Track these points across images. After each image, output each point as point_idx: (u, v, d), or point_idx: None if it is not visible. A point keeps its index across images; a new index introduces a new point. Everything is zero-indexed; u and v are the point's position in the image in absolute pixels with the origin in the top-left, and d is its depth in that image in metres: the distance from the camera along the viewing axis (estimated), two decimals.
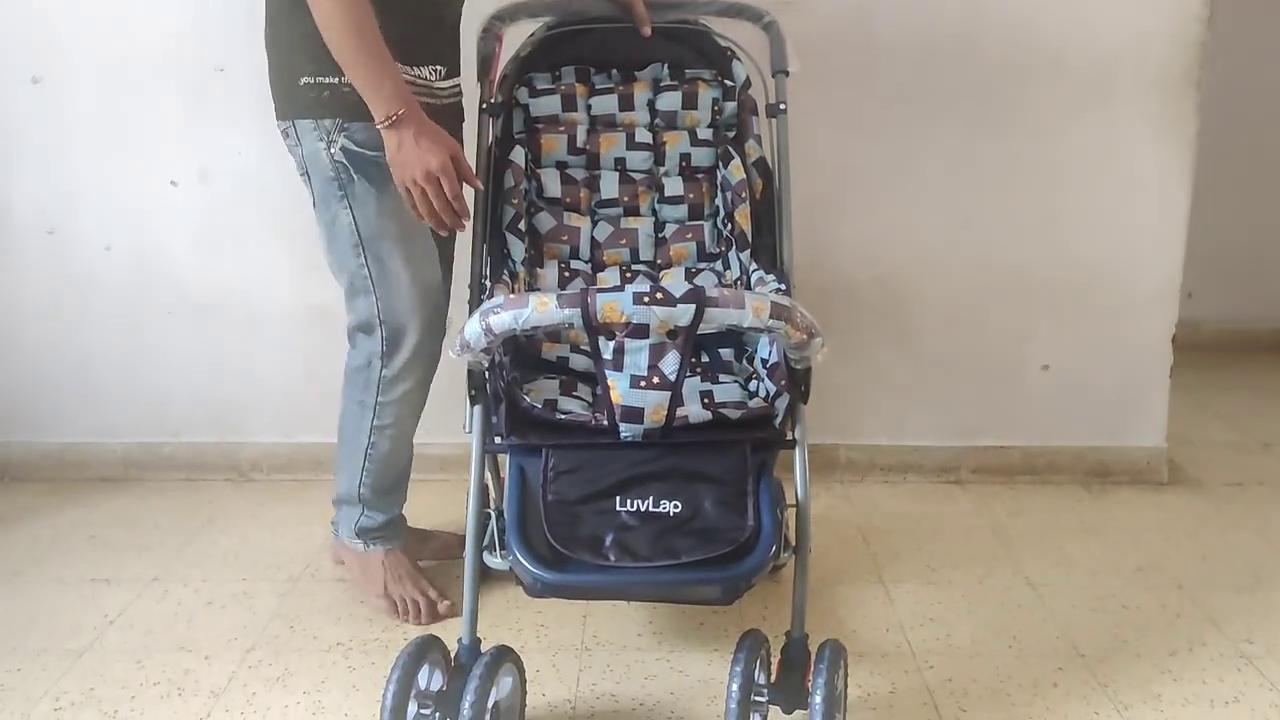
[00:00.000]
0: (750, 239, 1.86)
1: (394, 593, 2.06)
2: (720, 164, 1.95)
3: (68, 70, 2.50)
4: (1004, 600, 2.16)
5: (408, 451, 2.09)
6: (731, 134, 1.95)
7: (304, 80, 1.75)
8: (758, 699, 1.58)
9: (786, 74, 1.88)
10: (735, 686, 1.53)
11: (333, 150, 1.76)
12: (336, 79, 1.71)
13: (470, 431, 1.69)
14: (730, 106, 1.96)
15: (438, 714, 1.60)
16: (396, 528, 2.12)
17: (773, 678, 1.63)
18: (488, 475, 1.83)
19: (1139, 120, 2.54)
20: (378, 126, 1.67)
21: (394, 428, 1.99)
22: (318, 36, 1.65)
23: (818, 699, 1.52)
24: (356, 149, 1.75)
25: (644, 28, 1.95)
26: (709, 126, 1.98)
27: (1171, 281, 2.64)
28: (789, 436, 1.68)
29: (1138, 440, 2.74)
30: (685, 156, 1.97)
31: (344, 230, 1.82)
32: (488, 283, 1.80)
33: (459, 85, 1.92)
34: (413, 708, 1.56)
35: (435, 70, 1.84)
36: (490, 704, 1.54)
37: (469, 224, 1.79)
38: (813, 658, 1.59)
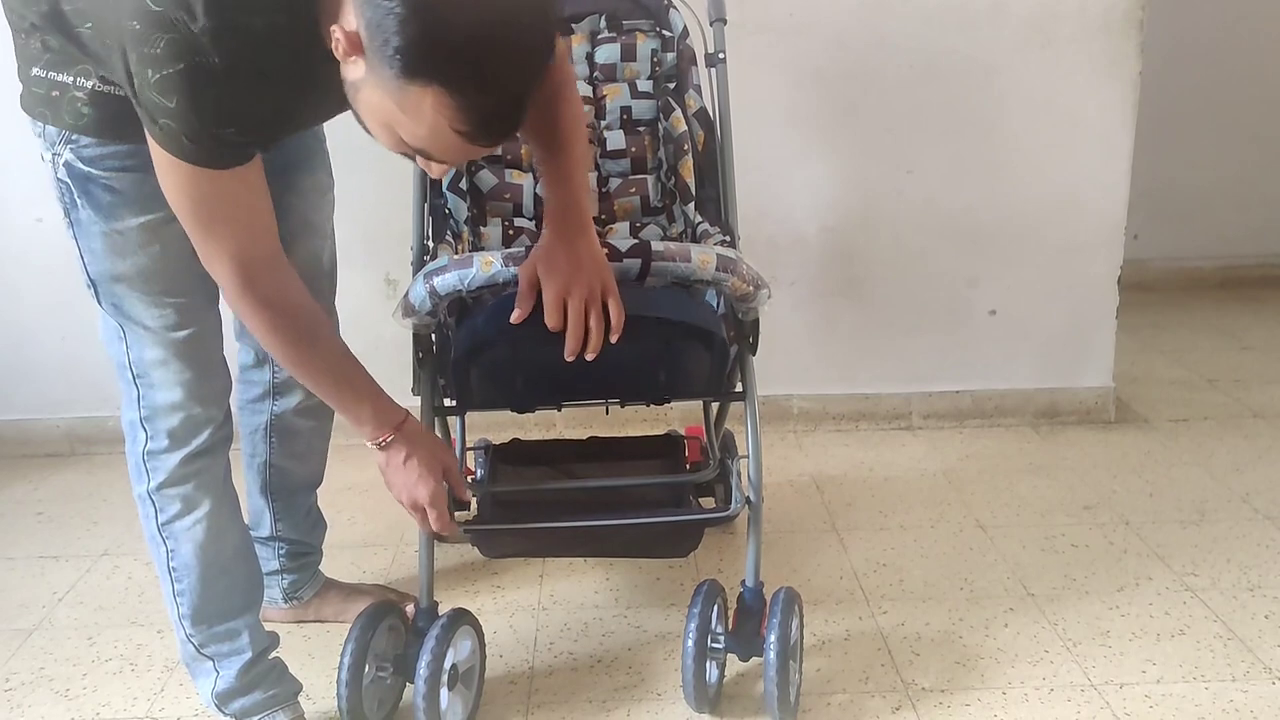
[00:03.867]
0: (694, 191, 1.84)
1: None
2: (661, 116, 1.93)
3: None
4: (955, 543, 2.18)
5: (236, 557, 1.57)
6: (672, 85, 1.92)
7: (35, 70, 1.35)
8: (714, 647, 1.60)
9: (724, 22, 1.85)
10: (691, 635, 1.55)
11: (56, 164, 1.36)
12: (70, 78, 1.32)
13: (419, 394, 1.67)
14: (669, 57, 1.93)
15: (395, 676, 1.60)
16: (274, 679, 1.60)
17: (729, 627, 1.64)
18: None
19: (1082, 62, 2.54)
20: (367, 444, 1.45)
21: (187, 518, 1.51)
22: (59, 17, 1.29)
23: (771, 647, 1.54)
24: (83, 167, 1.35)
25: None
26: (649, 78, 1.95)
27: (1116, 223, 2.65)
28: (738, 388, 1.68)
29: (1085, 381, 2.78)
30: (626, 109, 1.94)
31: (77, 262, 1.42)
32: (430, 244, 1.77)
33: None
34: (370, 671, 1.56)
35: None
36: (448, 665, 1.54)
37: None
38: (767, 606, 1.61)
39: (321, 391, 1.42)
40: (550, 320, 1.39)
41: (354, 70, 1.14)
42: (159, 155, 1.23)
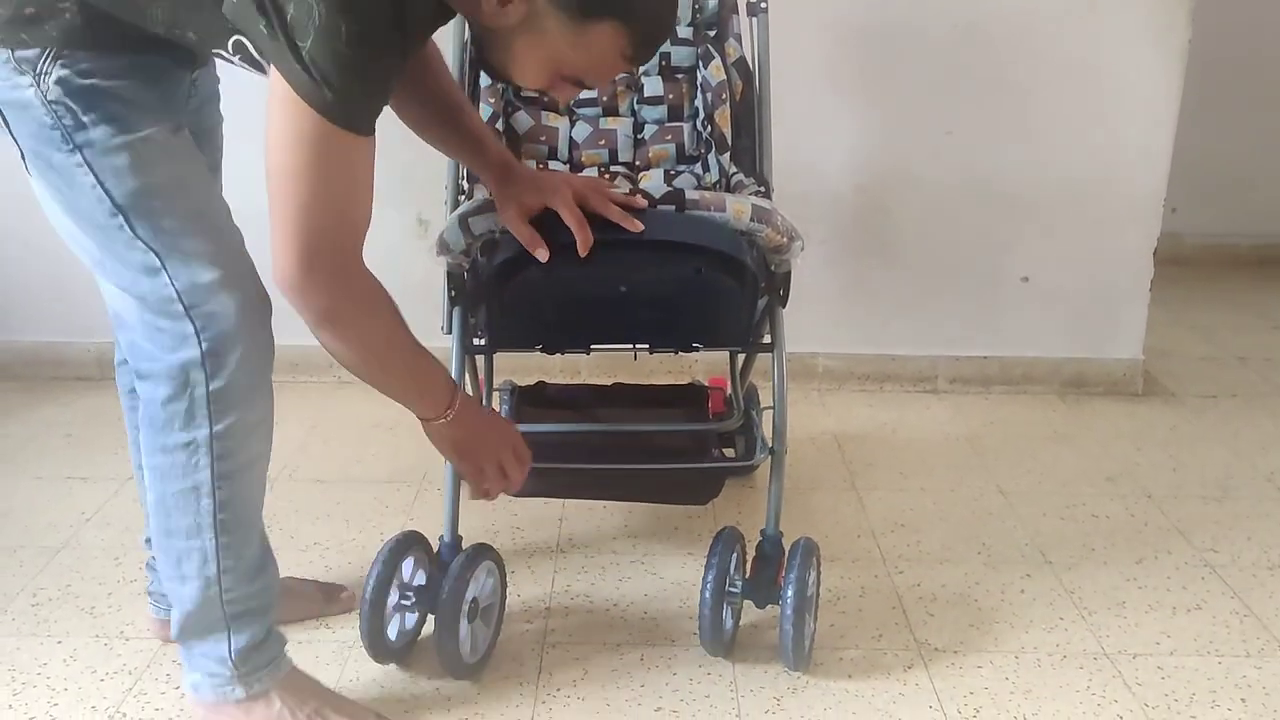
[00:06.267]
0: (730, 141, 1.83)
1: None
2: (700, 64, 1.91)
3: None
4: (975, 508, 2.18)
5: (262, 499, 1.44)
6: (712, 33, 1.90)
7: None
8: (731, 592, 1.61)
9: None
10: (710, 578, 1.57)
11: (43, 87, 1.19)
12: None
13: (449, 333, 1.68)
14: (711, 4, 1.91)
15: (417, 606, 1.62)
16: (277, 634, 1.47)
17: (747, 574, 1.66)
18: (466, 378, 1.82)
19: (1128, 27, 2.50)
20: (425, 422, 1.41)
21: (247, 469, 1.37)
22: None
23: (789, 594, 1.55)
24: (83, 81, 1.20)
25: None
26: (689, 25, 1.93)
27: (1155, 194, 2.62)
28: (765, 339, 1.68)
29: (1114, 352, 2.76)
30: (665, 56, 1.92)
31: (86, 196, 1.24)
32: (465, 184, 1.77)
33: None
34: (394, 597, 1.59)
35: None
36: (469, 598, 1.57)
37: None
38: (786, 555, 1.62)
39: (385, 389, 1.37)
40: (573, 219, 1.41)
41: (509, 15, 1.18)
42: (287, 109, 1.13)
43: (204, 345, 1.28)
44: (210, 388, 1.29)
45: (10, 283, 2.68)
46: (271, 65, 1.13)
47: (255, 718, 1.44)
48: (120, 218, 1.25)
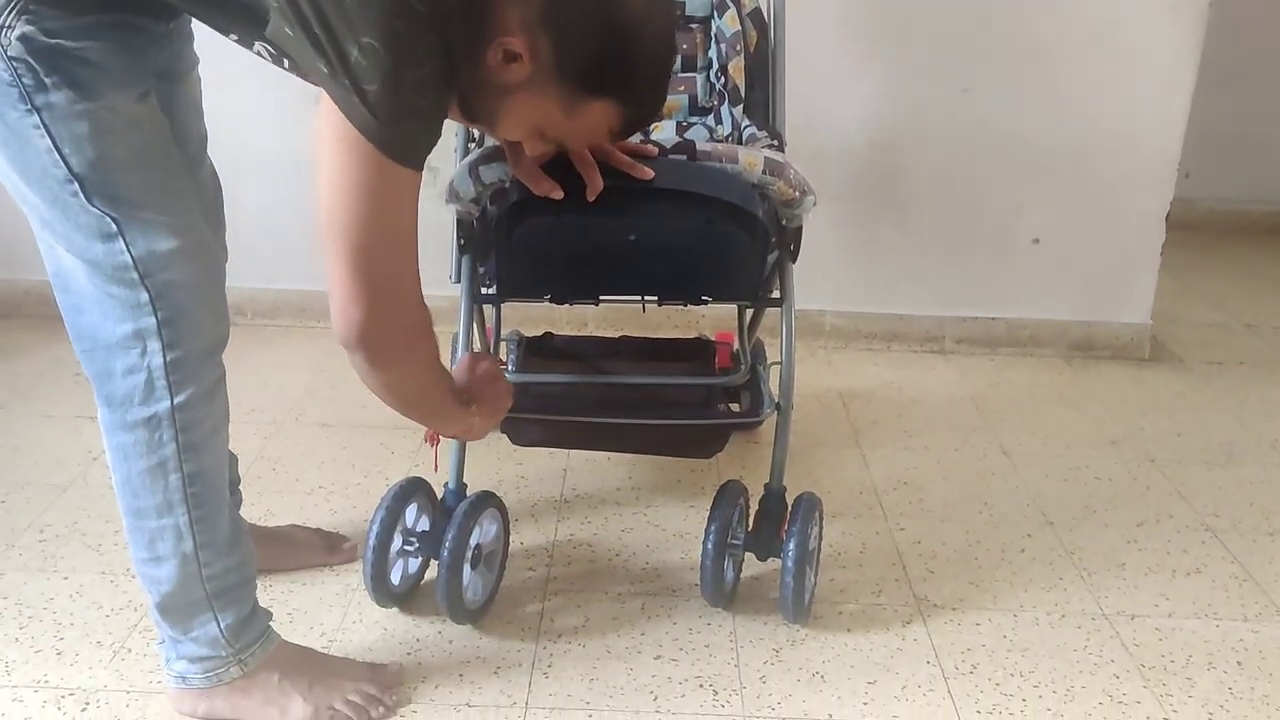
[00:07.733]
0: (743, 94, 1.82)
1: (320, 708, 1.42)
2: (715, 14, 1.90)
3: None
4: (978, 468, 2.19)
5: (226, 467, 1.40)
6: None
7: None
8: (733, 544, 1.62)
9: None
10: (713, 530, 1.58)
11: (4, 40, 1.11)
12: None
13: (458, 281, 1.67)
14: None
15: (420, 551, 1.63)
16: (262, 608, 1.44)
17: (749, 528, 1.67)
18: (474, 327, 1.82)
19: None
20: None
21: (212, 436, 1.32)
22: None
23: (790, 548, 1.56)
24: (47, 40, 1.12)
25: None
26: None
27: (1169, 159, 2.60)
28: (775, 295, 1.68)
29: (1123, 316, 2.75)
30: (679, 5, 1.91)
31: (40, 159, 1.17)
32: (475, 132, 1.76)
33: None
34: (397, 542, 1.60)
35: None
36: (473, 544, 1.58)
37: None
38: (789, 509, 1.63)
39: (409, 414, 1.39)
40: (583, 163, 1.40)
41: (510, 74, 1.17)
42: (347, 149, 1.11)
43: (159, 314, 1.24)
44: (168, 358, 1.25)
45: (21, 222, 2.66)
46: (327, 103, 1.10)
47: (255, 699, 1.41)
48: (76, 185, 1.19)
